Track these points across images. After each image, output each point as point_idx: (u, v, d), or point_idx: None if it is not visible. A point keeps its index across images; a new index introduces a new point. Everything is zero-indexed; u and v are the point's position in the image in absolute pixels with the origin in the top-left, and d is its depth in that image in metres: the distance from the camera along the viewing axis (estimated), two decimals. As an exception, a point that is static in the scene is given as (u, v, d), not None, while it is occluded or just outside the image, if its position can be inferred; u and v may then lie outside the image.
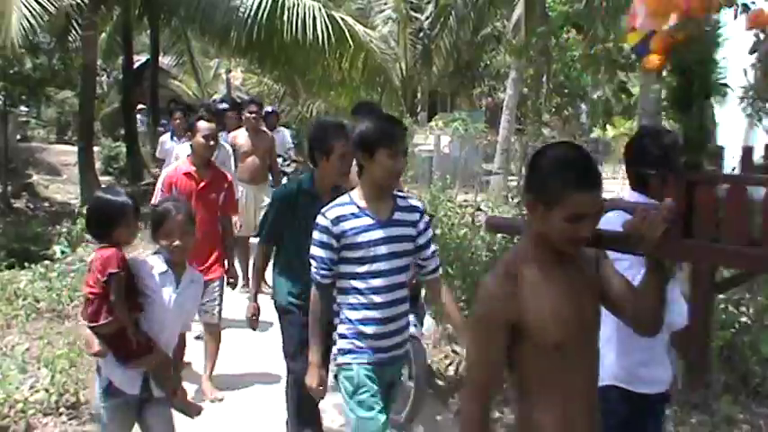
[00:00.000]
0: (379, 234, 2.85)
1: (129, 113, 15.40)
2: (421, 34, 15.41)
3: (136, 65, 17.99)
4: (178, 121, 8.10)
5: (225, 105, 9.65)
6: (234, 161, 6.80)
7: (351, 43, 11.96)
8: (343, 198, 2.94)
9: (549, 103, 12.66)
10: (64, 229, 7.99)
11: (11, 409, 4.12)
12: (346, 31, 11.82)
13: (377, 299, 2.86)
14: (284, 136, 9.90)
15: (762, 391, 4.53)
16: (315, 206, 3.39)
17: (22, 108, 17.06)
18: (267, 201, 7.11)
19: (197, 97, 22.57)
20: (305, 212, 3.43)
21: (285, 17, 11.48)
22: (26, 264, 7.05)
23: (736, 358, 4.70)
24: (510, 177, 15.13)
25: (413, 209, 2.99)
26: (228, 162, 6.41)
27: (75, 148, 13.19)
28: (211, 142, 4.75)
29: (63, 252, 7.23)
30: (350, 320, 2.89)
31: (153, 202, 4.57)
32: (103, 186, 4.18)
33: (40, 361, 4.73)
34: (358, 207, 2.88)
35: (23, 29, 8.88)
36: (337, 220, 2.84)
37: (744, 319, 5.21)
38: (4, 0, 9.02)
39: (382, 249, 2.85)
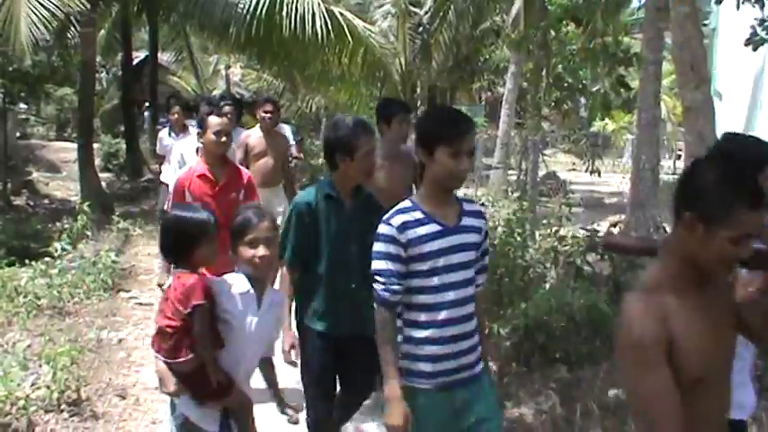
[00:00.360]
0: (448, 242, 2.55)
1: (129, 110, 15.41)
2: (420, 29, 15.39)
3: (135, 61, 18.02)
4: (176, 116, 8.03)
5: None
6: (246, 163, 6.54)
7: (350, 38, 11.96)
8: (405, 203, 2.61)
9: (549, 97, 12.63)
10: (65, 226, 7.97)
11: (12, 406, 4.12)
12: (345, 26, 11.83)
13: (448, 314, 2.55)
14: (285, 132, 9.84)
15: (762, 384, 4.53)
16: (338, 211, 3.27)
17: (22, 105, 17.08)
18: (280, 205, 6.94)
19: (196, 93, 22.57)
20: (328, 220, 3.24)
21: (284, 12, 11.49)
22: (26, 261, 7.05)
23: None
24: (510, 172, 15.11)
25: (479, 214, 2.71)
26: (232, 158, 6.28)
27: (75, 145, 13.18)
28: (223, 138, 4.28)
29: (63, 249, 7.21)
30: (416, 339, 2.57)
31: (165, 208, 4.31)
32: (178, 204, 3.93)
33: (41, 358, 4.72)
34: (423, 212, 2.55)
35: (32, 34, 8.89)
36: (403, 227, 2.51)
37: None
38: (14, 5, 9.03)
39: (453, 259, 2.55)
